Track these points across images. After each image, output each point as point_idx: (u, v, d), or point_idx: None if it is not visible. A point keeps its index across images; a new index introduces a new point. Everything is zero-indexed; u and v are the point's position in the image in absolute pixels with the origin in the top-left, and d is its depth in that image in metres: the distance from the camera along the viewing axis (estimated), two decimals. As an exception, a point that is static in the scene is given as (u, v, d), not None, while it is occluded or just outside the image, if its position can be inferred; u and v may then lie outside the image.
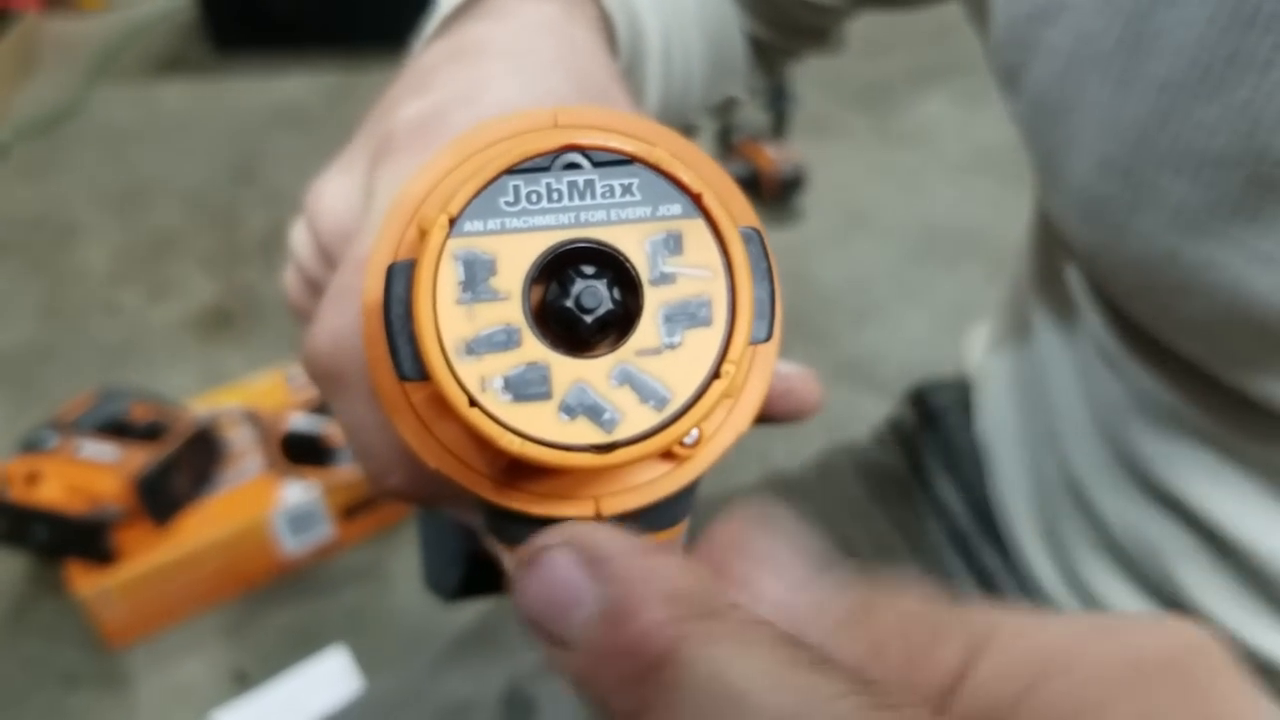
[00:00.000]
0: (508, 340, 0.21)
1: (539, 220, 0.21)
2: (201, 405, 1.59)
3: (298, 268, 0.38)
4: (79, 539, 1.36)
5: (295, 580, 1.51)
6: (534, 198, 0.21)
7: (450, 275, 0.21)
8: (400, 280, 0.22)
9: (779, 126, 2.18)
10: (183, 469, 1.43)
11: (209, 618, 1.48)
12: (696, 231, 0.22)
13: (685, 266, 0.22)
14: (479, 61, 0.36)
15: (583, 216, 0.21)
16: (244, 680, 1.41)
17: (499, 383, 0.21)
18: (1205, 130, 0.38)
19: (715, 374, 0.21)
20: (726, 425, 0.24)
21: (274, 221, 2.24)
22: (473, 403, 0.21)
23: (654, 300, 0.21)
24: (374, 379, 0.23)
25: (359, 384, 0.30)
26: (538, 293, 0.22)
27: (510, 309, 0.21)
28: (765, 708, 0.16)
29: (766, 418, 0.32)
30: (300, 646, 1.43)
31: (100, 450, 1.42)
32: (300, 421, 1.53)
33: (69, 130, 2.65)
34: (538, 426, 0.21)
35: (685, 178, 0.22)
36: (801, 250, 2.05)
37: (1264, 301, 0.39)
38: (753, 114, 2.19)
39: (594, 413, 0.21)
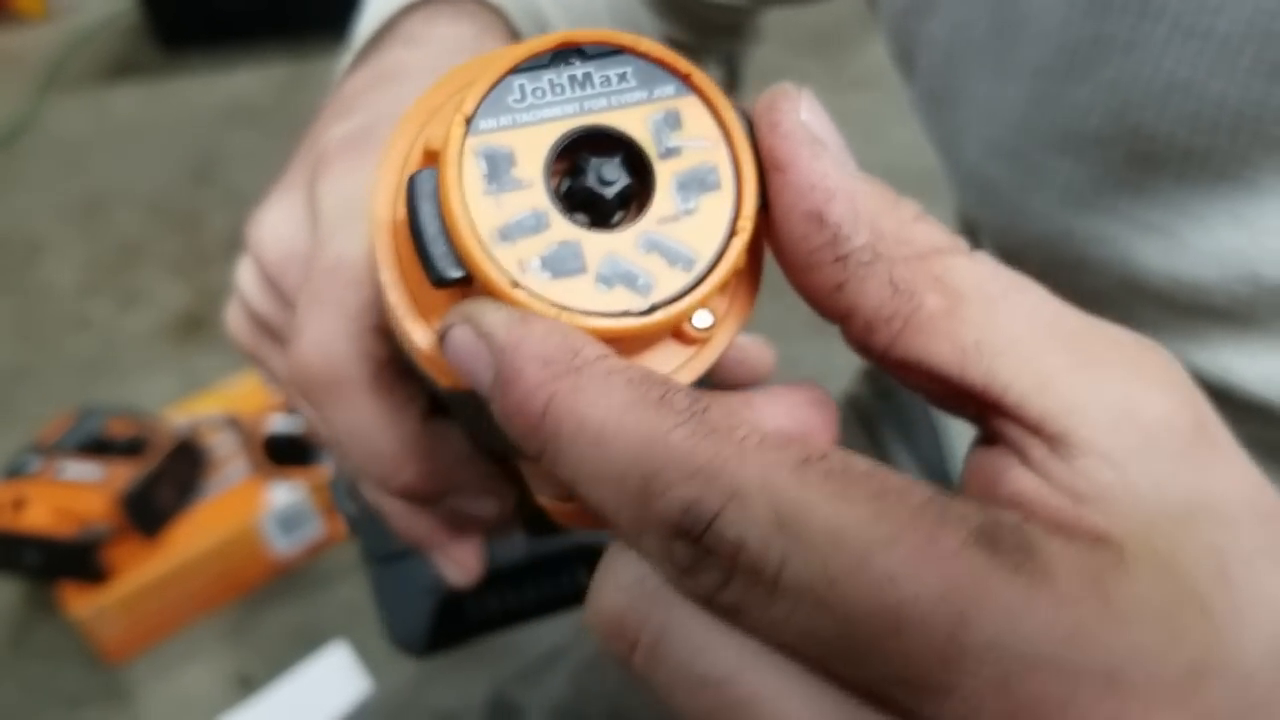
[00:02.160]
0: (537, 223, 0.22)
1: (547, 112, 0.23)
2: (180, 414, 1.59)
3: (243, 304, 0.38)
4: (70, 560, 1.37)
5: (290, 580, 1.52)
6: (539, 93, 0.23)
7: (474, 171, 0.22)
8: (425, 185, 0.22)
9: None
10: (167, 481, 1.44)
11: (207, 625, 1.49)
12: (692, 107, 0.24)
13: (688, 139, 0.23)
14: (400, 83, 0.37)
15: (586, 105, 0.23)
16: (248, 684, 1.42)
17: (536, 263, 0.22)
18: (1080, 111, 0.39)
19: (732, 232, 0.23)
20: (733, 308, 0.25)
21: (236, 220, 2.20)
22: (516, 285, 0.22)
23: (665, 172, 0.23)
24: (398, 298, 0.24)
25: (355, 384, 0.31)
26: (555, 179, 0.23)
27: (535, 195, 0.22)
28: (618, 440, 0.20)
29: (724, 384, 0.33)
30: (301, 645, 1.45)
31: (83, 470, 1.43)
32: (280, 422, 1.53)
33: (23, 144, 2.63)
34: (579, 299, 0.22)
35: (673, 61, 0.24)
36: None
37: (1155, 270, 0.40)
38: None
39: (629, 280, 0.22)
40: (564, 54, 0.23)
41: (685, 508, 0.19)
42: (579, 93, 0.23)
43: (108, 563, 1.38)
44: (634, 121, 0.23)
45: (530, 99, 0.23)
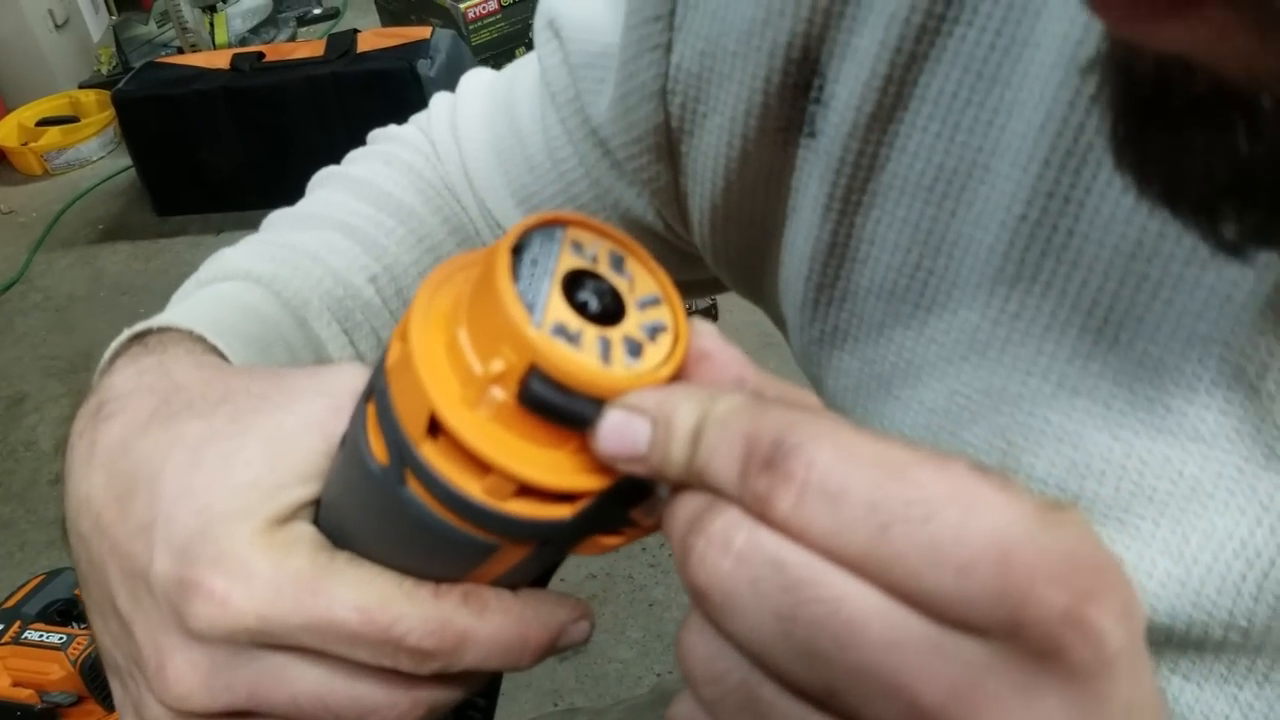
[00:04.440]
0: (605, 348, 0.27)
1: (543, 282, 0.28)
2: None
3: None
4: (27, 729, 1.39)
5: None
6: (529, 275, 0.28)
7: (560, 344, 0.27)
8: (539, 381, 0.26)
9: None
10: (128, 648, 1.46)
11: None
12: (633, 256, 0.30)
13: (629, 271, 0.29)
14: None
15: (555, 263, 0.28)
16: None
17: (623, 358, 0.28)
18: (973, 450, 0.42)
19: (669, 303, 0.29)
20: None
21: (217, 381, 2.28)
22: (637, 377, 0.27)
23: (624, 286, 0.29)
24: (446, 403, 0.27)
25: (328, 619, 0.31)
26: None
27: (590, 333, 0.27)
28: (730, 427, 0.25)
29: None
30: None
31: (46, 636, 1.46)
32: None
33: (13, 300, 2.70)
34: (642, 367, 0.28)
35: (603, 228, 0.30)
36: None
37: None
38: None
39: (640, 348, 0.28)
40: (519, 246, 0.28)
41: (775, 443, 0.24)
42: (542, 265, 0.28)
43: (64, 732, 1.40)
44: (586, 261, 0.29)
45: (526, 281, 0.27)
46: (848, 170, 0.44)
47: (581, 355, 0.27)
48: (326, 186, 0.62)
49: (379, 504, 0.30)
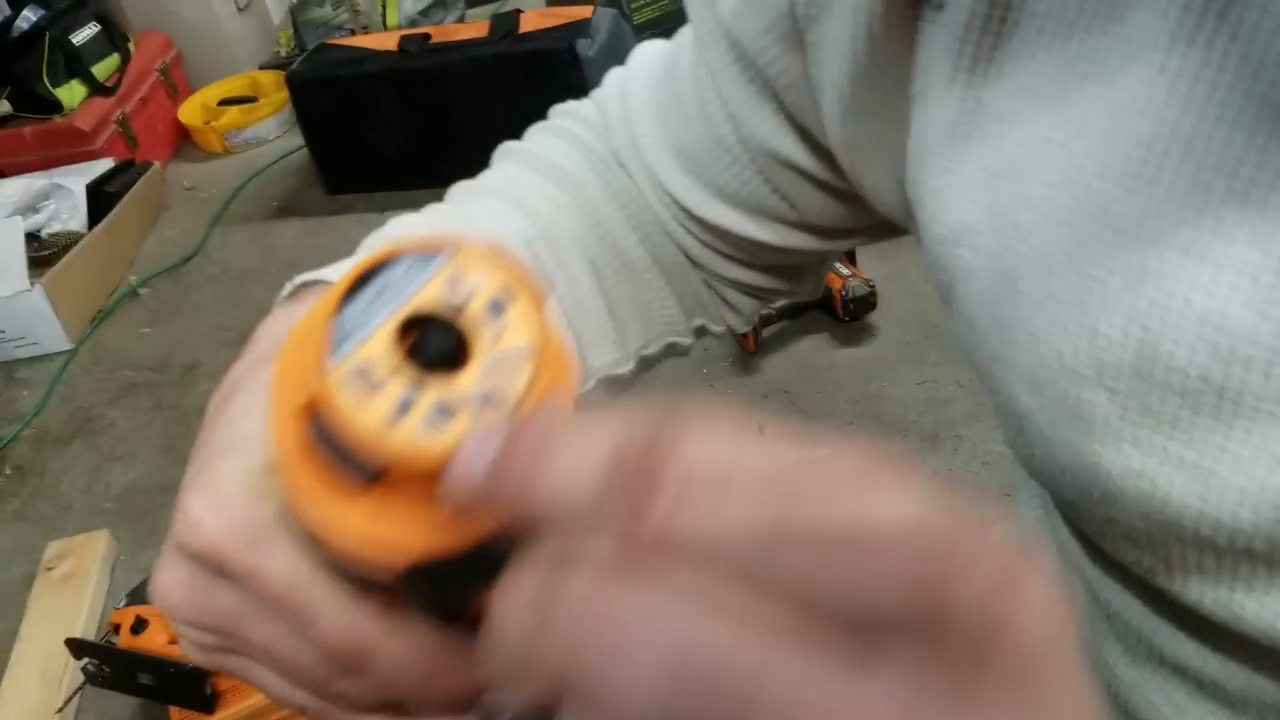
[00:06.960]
0: (407, 401, 0.25)
1: (378, 318, 0.26)
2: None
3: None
4: (181, 687, 1.45)
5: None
6: (365, 313, 0.26)
7: (350, 390, 0.25)
8: (319, 422, 0.25)
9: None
10: (278, 613, 1.52)
11: (305, 755, 1.55)
12: (462, 265, 0.27)
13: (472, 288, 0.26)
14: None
15: (397, 299, 0.26)
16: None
17: (421, 425, 0.25)
18: (1110, 343, 0.38)
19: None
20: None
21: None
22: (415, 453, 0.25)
23: (476, 325, 0.26)
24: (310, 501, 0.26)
25: (257, 576, 0.32)
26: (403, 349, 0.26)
27: (397, 379, 0.25)
28: (595, 446, 0.23)
29: None
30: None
31: (203, 597, 1.51)
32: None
33: (192, 271, 2.84)
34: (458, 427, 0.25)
35: (433, 242, 0.27)
36: (874, 368, 2.07)
37: (1189, 509, 0.38)
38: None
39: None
40: (363, 279, 0.26)
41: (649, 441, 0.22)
42: (391, 294, 0.26)
43: (216, 691, 1.46)
44: (433, 293, 0.26)
45: (361, 306, 0.26)
46: (974, 38, 0.41)
47: (362, 408, 0.24)
48: (504, 159, 0.65)
49: None
